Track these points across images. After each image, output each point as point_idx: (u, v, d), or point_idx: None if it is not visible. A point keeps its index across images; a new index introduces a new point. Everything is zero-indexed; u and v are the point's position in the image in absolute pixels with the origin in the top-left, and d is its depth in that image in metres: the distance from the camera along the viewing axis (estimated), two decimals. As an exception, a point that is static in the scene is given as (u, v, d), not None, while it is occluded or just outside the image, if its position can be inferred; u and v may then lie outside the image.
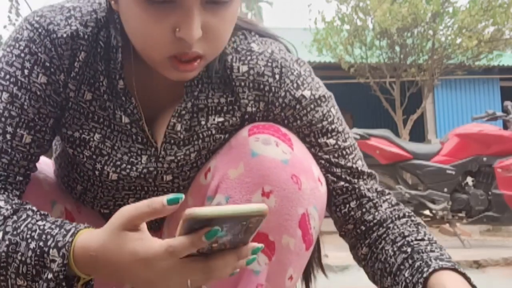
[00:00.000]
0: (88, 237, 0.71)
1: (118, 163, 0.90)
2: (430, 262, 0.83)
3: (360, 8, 8.46)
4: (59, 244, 0.71)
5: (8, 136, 0.83)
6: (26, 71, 0.84)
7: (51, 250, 0.71)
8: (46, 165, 1.01)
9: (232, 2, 0.79)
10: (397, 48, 8.41)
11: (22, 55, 0.84)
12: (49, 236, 0.73)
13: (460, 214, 4.76)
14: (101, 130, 0.89)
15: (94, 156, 0.90)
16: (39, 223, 0.75)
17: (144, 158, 0.90)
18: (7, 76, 0.84)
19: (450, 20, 8.37)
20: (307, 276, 1.02)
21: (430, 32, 8.30)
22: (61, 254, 0.71)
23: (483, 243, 5.34)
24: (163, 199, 0.65)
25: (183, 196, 0.66)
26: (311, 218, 0.87)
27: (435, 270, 0.82)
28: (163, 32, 0.76)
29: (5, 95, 0.83)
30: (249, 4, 27.41)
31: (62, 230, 0.73)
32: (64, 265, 0.70)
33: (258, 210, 0.61)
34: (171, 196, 0.65)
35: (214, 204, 0.87)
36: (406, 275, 0.85)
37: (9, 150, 0.83)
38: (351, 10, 8.54)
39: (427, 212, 4.82)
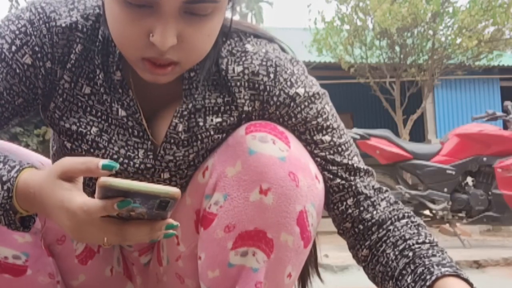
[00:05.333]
0: (30, 176, 0.76)
1: (115, 156, 0.90)
2: (432, 269, 0.84)
3: (360, 8, 8.47)
4: (4, 179, 0.76)
5: None
6: (13, 48, 0.85)
7: None
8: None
9: (213, 16, 0.79)
10: (397, 48, 8.42)
11: (17, 32, 0.86)
12: None
13: (460, 214, 4.76)
14: (98, 124, 0.90)
15: (92, 150, 0.90)
16: None
17: (141, 152, 0.91)
18: None
19: (450, 20, 8.38)
20: (303, 278, 1.02)
21: (430, 32, 8.31)
22: (5, 187, 0.75)
23: (483, 243, 5.34)
24: (99, 162, 0.70)
25: (117, 165, 0.70)
26: (309, 215, 0.86)
27: (437, 278, 0.83)
28: (138, 35, 0.77)
29: None
30: (249, 4, 27.44)
31: (7, 166, 0.77)
32: (10, 197, 0.75)
33: (167, 192, 0.66)
34: (107, 162, 0.70)
35: (213, 202, 0.87)
36: (409, 281, 0.86)
37: None
38: (351, 10, 8.56)
39: (427, 212, 4.83)
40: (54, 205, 0.72)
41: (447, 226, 5.39)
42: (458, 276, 0.83)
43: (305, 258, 0.91)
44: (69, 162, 0.72)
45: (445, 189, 4.73)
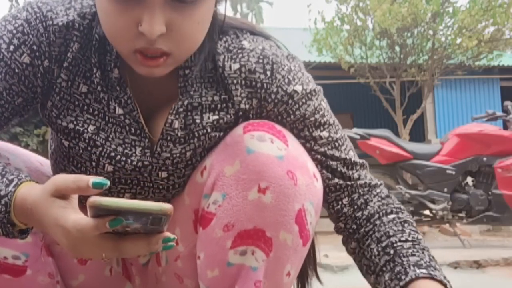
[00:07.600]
0: (28, 191, 0.76)
1: (113, 154, 0.91)
2: (408, 270, 0.88)
3: (360, 8, 8.47)
4: (1, 193, 0.76)
5: None
6: (11, 47, 0.86)
7: None
8: (49, 167, 1.02)
9: (202, 3, 0.79)
10: (397, 48, 8.41)
11: (14, 31, 0.87)
12: None
13: (460, 214, 4.76)
14: (96, 122, 0.90)
15: (89, 148, 0.91)
16: None
17: (138, 149, 0.91)
18: None
19: (450, 20, 8.37)
20: (302, 278, 1.02)
21: (430, 32, 8.30)
22: (3, 202, 0.75)
23: (483, 243, 5.34)
24: (90, 179, 0.69)
25: (108, 183, 0.69)
26: (307, 214, 0.87)
27: (411, 280, 0.86)
28: (127, 26, 0.78)
29: None
30: (249, 4, 27.46)
31: (5, 179, 0.77)
32: (8, 212, 0.75)
33: (159, 209, 0.64)
34: (97, 179, 0.69)
35: (211, 201, 0.87)
36: (386, 278, 0.90)
37: None
38: (351, 10, 8.55)
39: (427, 212, 4.83)
40: (50, 223, 0.71)
41: (447, 226, 5.39)
42: (432, 278, 0.86)
43: (304, 256, 0.92)
44: (61, 180, 0.72)
45: (445, 189, 4.73)
